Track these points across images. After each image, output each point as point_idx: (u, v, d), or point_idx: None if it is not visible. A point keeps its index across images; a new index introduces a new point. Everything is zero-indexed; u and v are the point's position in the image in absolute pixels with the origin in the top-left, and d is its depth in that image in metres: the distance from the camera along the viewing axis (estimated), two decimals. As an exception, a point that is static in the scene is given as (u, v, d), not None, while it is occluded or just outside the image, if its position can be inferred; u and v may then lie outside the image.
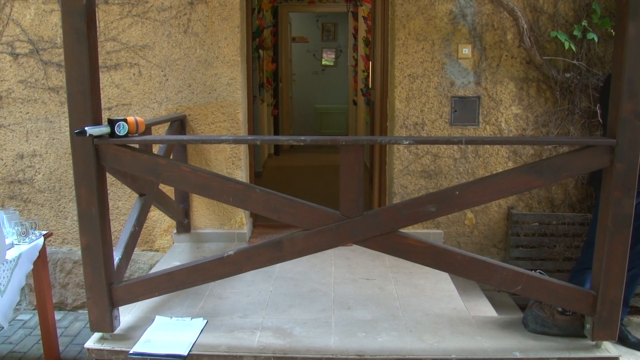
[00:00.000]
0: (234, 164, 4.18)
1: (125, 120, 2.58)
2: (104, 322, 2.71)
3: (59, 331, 3.76)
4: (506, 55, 4.04)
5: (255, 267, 2.67)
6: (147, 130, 3.41)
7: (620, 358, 2.72)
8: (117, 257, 2.86)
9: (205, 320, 2.93)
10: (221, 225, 4.29)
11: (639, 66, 2.44)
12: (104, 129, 2.52)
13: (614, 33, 3.13)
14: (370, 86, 6.39)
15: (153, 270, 3.80)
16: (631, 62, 2.43)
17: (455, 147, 4.08)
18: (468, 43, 4.01)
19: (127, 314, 2.98)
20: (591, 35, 3.86)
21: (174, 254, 4.04)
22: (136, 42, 4.04)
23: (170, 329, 2.83)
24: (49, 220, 4.30)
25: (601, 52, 4.00)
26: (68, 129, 2.60)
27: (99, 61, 3.17)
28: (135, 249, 3.69)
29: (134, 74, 4.08)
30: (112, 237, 2.79)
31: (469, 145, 4.08)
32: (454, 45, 4.02)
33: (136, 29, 4.03)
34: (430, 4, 3.97)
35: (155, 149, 3.73)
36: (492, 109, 4.08)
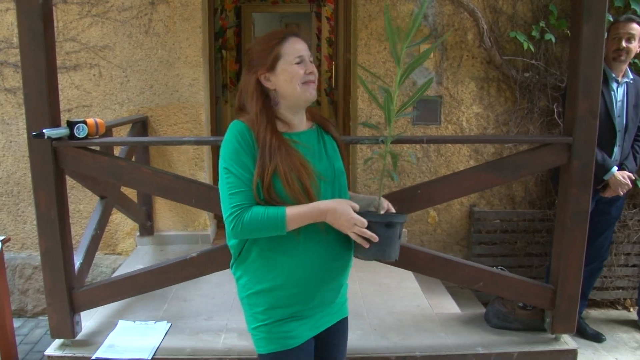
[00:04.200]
0: (197, 165, 4.15)
1: (84, 122, 2.54)
2: (64, 328, 2.66)
3: (18, 339, 3.68)
4: (467, 56, 4.10)
5: (219, 268, 2.66)
6: (108, 132, 3.37)
7: (578, 350, 2.79)
8: (78, 261, 2.81)
9: (170, 324, 2.90)
10: (185, 227, 4.25)
11: (593, 66, 2.51)
12: (62, 131, 2.48)
13: (570, 34, 3.21)
14: (333, 86, 6.42)
15: (116, 274, 3.74)
16: (586, 62, 2.50)
17: (418, 146, 4.12)
18: (429, 43, 4.05)
19: (89, 319, 2.93)
20: (549, 36, 3.94)
21: (137, 257, 3.98)
22: (96, 43, 3.97)
23: (133, 333, 2.80)
24: (7, 225, 4.20)
25: (558, 53, 4.09)
26: (25, 131, 2.54)
27: (58, 62, 3.11)
28: (97, 252, 3.63)
29: (94, 75, 4.01)
30: (73, 241, 2.75)
31: (432, 144, 4.13)
32: (415, 46, 4.05)
33: (96, 29, 3.96)
34: (392, 4, 4.00)
35: (117, 151, 3.68)
36: (454, 108, 4.13)
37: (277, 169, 1.62)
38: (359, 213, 1.64)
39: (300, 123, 1.80)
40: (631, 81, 3.37)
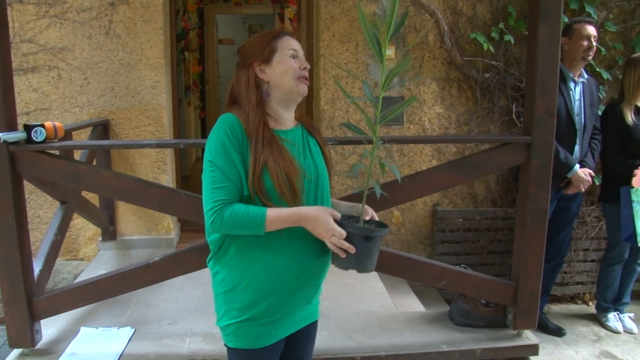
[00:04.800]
0: (159, 168, 4.10)
1: (42, 126, 2.48)
2: (24, 337, 2.60)
3: (-24, 348, 3.58)
4: (428, 56, 4.14)
5: (183, 272, 2.63)
6: (68, 135, 3.30)
7: (539, 344, 2.84)
8: (37, 268, 2.75)
9: (133, 329, 2.86)
10: (148, 232, 4.20)
11: (550, 66, 2.56)
12: (19, 135, 2.42)
13: (527, 35, 3.27)
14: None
15: (77, 280, 3.67)
16: (543, 62, 2.55)
17: (381, 146, 4.13)
18: (391, 44, 4.08)
19: (50, 327, 2.86)
20: (508, 37, 4.02)
21: (99, 262, 3.92)
22: (55, 44, 3.89)
23: (96, 340, 2.75)
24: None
25: (517, 53, 4.17)
26: (-20, 135, 2.47)
27: (15, 64, 3.04)
28: (59, 258, 3.56)
29: (53, 77, 3.93)
30: (33, 248, 2.68)
31: (394, 145, 4.16)
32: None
33: (54, 30, 3.88)
34: (353, 6, 4.02)
35: (78, 155, 3.61)
36: (416, 108, 4.17)
37: (267, 162, 1.63)
38: (340, 220, 1.64)
39: (289, 121, 1.82)
40: (586, 81, 3.46)
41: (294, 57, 1.76)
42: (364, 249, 1.63)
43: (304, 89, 1.77)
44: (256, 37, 1.82)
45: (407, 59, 1.80)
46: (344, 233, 1.60)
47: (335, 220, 1.63)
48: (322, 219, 1.61)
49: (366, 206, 1.76)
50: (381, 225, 1.75)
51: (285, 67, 1.74)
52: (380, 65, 1.63)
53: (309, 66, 1.79)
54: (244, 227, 1.62)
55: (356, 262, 1.64)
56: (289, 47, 1.76)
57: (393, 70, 1.64)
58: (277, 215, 1.61)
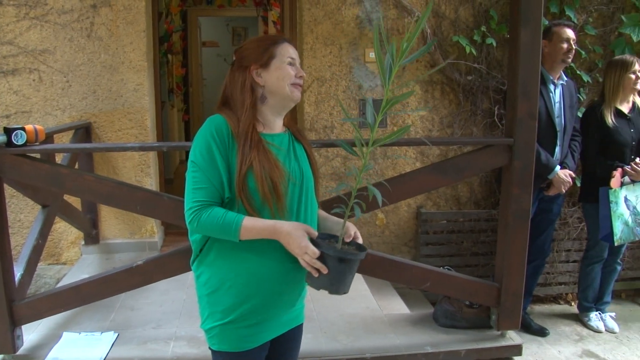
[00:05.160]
0: (142, 171, 4.08)
1: (23, 129, 2.46)
2: (5, 343, 2.57)
3: (-44, 354, 3.53)
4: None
5: (167, 275, 2.62)
6: (49, 138, 3.27)
7: (523, 345, 2.87)
8: (18, 272, 2.72)
9: (117, 334, 2.84)
10: (131, 235, 4.17)
11: (531, 69, 2.59)
12: (-1, 138, 2.40)
13: (509, 38, 3.30)
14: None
15: (60, 285, 3.63)
16: (524, 65, 2.58)
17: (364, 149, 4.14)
18: (371, 48, 4.10)
19: (31, 332, 2.84)
20: (490, 40, 4.05)
21: (82, 266, 3.88)
22: (35, 46, 3.85)
23: (78, 345, 2.73)
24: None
25: (499, 56, 4.20)
26: (-40, 139, 2.44)
27: (-6, 66, 3.01)
28: (40, 263, 3.51)
29: (33, 80, 3.89)
30: (14, 252, 2.65)
31: (378, 147, 4.16)
32: (361, 50, 4.10)
33: (35, 32, 3.84)
34: (337, 9, 4.03)
35: (60, 158, 3.58)
36: (399, 111, 4.18)
37: (253, 163, 1.64)
38: (318, 238, 1.64)
39: (277, 126, 1.83)
40: (565, 83, 3.51)
41: (291, 64, 1.78)
42: (338, 271, 1.60)
43: (298, 95, 1.79)
44: (255, 40, 1.84)
45: (410, 93, 1.78)
46: (317, 252, 1.58)
47: (312, 239, 1.62)
48: (295, 236, 1.60)
49: (350, 225, 1.74)
50: (361, 248, 1.72)
51: (282, 73, 1.76)
52: (385, 88, 1.60)
53: (304, 74, 1.81)
54: (219, 231, 1.63)
55: (329, 283, 1.61)
56: (287, 54, 1.78)
57: (393, 100, 1.62)
58: (252, 225, 1.62)
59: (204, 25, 10.58)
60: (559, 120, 3.45)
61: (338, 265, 1.59)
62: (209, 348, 1.77)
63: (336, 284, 1.62)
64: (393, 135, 1.65)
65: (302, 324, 1.94)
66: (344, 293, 1.66)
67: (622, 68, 3.51)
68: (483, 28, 4.07)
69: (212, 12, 9.39)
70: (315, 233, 1.65)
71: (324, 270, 1.58)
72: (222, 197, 1.66)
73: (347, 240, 1.72)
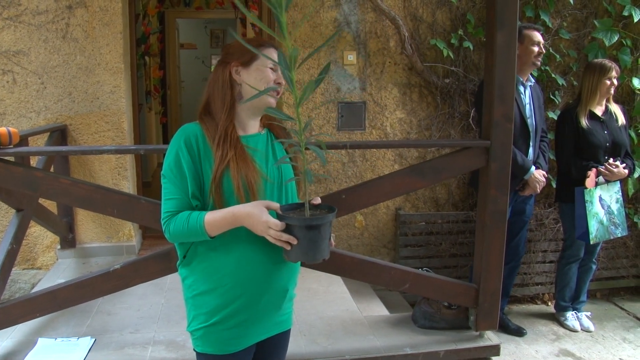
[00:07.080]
0: (119, 174, 4.04)
1: (-4, 132, 2.43)
2: (-21, 349, 2.53)
3: None
4: (389, 62, 4.18)
5: (144, 279, 2.60)
6: (24, 141, 3.23)
7: (501, 345, 2.89)
8: (-8, 278, 2.68)
9: (94, 339, 2.81)
10: (108, 239, 4.13)
11: (507, 73, 2.62)
12: (-27, 142, 2.37)
13: (485, 42, 3.34)
14: (259, 92, 6.37)
15: (35, 290, 3.58)
16: (501, 68, 2.61)
17: (343, 151, 4.16)
18: (353, 50, 4.12)
19: (5, 339, 2.80)
20: (467, 44, 4.09)
21: (58, 271, 3.83)
22: (9, 47, 3.80)
23: (54, 351, 2.69)
24: None
25: (476, 59, 4.25)
26: None
27: (-33, 69, 2.96)
28: (15, 268, 3.47)
29: (7, 82, 3.83)
30: (-13, 257, 2.61)
31: (357, 150, 4.18)
32: (339, 52, 4.11)
33: (8, 33, 3.79)
34: (315, 11, 4.04)
35: (34, 161, 3.53)
36: (378, 113, 4.21)
37: (230, 163, 1.64)
38: (284, 210, 1.62)
39: (252, 127, 1.82)
40: (533, 84, 3.57)
41: (272, 70, 1.77)
42: (309, 239, 1.56)
43: (272, 102, 1.77)
44: (244, 39, 1.80)
45: (316, 81, 1.67)
46: (279, 224, 1.55)
47: (279, 213, 1.59)
48: (255, 214, 1.58)
49: (317, 197, 1.71)
50: (331, 209, 1.67)
51: (260, 75, 1.75)
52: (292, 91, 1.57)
53: (283, 82, 1.77)
54: (189, 234, 1.64)
55: (302, 253, 1.58)
56: (271, 59, 1.74)
57: (309, 86, 1.56)
58: (213, 218, 1.61)
59: (182, 27, 10.53)
60: (530, 122, 3.50)
61: (307, 233, 1.55)
62: (194, 350, 1.77)
63: (311, 253, 1.58)
64: (313, 85, 1.55)
65: (289, 330, 1.92)
66: (323, 259, 1.61)
67: (600, 72, 3.57)
68: (460, 32, 4.11)
69: (190, 14, 9.34)
70: (277, 205, 1.62)
71: (294, 241, 1.55)
72: (198, 199, 1.67)
73: (315, 203, 1.69)
